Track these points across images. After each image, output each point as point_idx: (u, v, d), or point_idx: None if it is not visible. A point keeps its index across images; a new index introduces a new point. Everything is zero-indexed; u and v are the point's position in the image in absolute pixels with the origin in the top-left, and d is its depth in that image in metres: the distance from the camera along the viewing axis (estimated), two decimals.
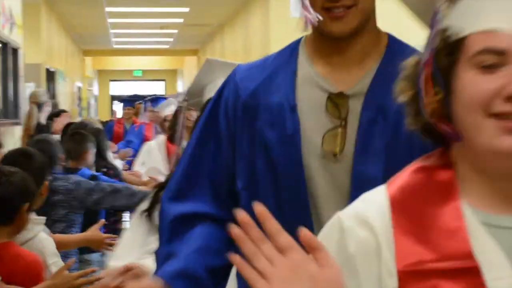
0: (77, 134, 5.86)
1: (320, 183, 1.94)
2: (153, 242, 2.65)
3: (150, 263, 2.45)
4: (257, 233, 1.20)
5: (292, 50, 2.03)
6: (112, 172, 6.25)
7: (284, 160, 1.94)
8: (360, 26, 1.92)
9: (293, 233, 1.22)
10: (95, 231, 4.35)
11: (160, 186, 3.01)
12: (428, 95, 1.34)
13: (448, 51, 1.32)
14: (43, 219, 3.72)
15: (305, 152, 1.94)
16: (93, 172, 5.58)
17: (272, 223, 1.20)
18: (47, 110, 8.85)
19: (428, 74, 1.33)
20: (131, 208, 5.67)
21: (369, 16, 1.95)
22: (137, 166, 7.21)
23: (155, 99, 9.95)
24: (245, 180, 2.01)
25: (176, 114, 6.25)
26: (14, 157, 4.10)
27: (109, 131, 11.84)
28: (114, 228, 5.97)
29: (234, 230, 1.20)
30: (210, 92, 2.94)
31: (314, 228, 1.89)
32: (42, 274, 3.30)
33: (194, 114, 5.64)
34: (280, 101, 1.96)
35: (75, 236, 4.62)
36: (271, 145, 1.96)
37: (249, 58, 15.20)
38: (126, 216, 6.77)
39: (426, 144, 1.42)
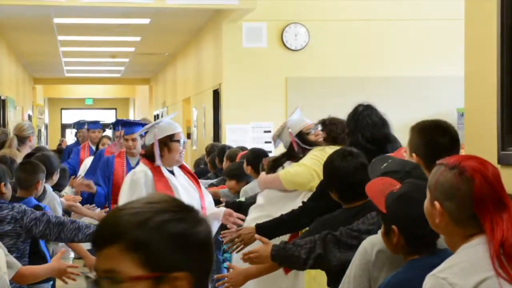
0: (28, 163, 5.76)
1: None
2: None
3: None
4: None
5: None
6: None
7: None
8: None
9: None
10: (59, 261, 4.35)
11: None
12: None
13: None
14: None
15: None
16: (37, 202, 5.51)
17: None
18: (30, 145, 8.39)
19: None
20: (74, 242, 5.60)
21: None
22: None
23: (128, 123, 8.23)
24: None
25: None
26: None
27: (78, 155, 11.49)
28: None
29: None
30: None
31: None
32: None
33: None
34: None
35: (44, 267, 4.61)
36: None
37: (201, 87, 15.24)
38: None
39: None
